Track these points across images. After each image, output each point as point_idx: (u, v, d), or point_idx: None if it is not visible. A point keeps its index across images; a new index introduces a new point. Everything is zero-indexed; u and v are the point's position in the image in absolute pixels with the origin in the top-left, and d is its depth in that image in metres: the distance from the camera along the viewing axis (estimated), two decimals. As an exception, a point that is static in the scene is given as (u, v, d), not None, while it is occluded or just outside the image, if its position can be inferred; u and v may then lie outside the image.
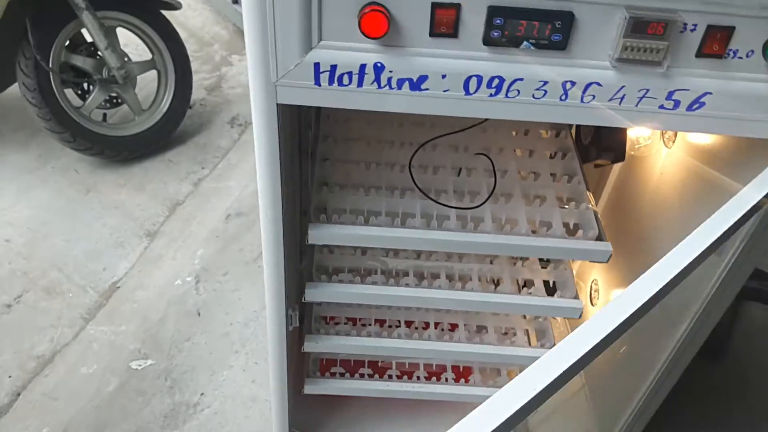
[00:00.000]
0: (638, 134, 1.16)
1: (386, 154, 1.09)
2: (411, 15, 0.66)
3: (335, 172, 1.07)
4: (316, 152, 1.06)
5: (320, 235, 0.95)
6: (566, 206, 1.08)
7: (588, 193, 1.10)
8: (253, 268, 1.72)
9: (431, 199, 1.02)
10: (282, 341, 1.06)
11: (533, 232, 1.04)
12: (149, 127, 2.09)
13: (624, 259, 1.30)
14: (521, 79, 0.70)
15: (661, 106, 0.72)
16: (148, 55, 2.09)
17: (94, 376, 1.47)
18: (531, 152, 1.14)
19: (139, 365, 1.49)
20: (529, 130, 1.20)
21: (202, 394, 1.44)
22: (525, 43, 0.67)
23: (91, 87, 2.02)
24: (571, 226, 1.08)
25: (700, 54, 0.68)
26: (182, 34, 2.14)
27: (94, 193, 1.99)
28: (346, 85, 0.70)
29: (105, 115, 2.10)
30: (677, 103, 0.72)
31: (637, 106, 0.72)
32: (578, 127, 1.21)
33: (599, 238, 1.04)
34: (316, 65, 0.68)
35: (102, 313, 1.64)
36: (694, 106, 0.72)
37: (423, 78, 0.70)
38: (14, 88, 1.93)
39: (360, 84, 0.70)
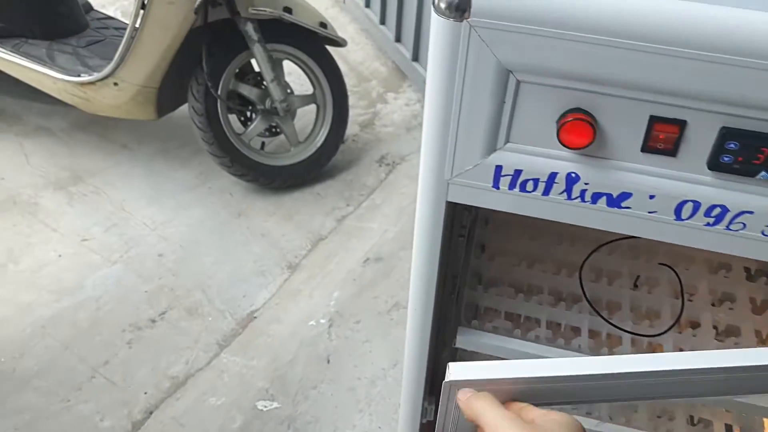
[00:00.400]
0: None
1: (554, 251, 0.98)
2: (623, 127, 0.55)
3: (492, 266, 0.97)
4: (473, 237, 0.96)
5: (469, 341, 0.86)
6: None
7: None
8: (385, 320, 1.67)
9: (602, 317, 0.89)
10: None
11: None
12: (303, 159, 2.12)
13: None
14: (751, 213, 0.57)
15: None
16: (309, 89, 2.12)
17: (221, 410, 1.48)
18: (728, 268, 0.97)
19: (265, 407, 1.48)
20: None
21: (321, 451, 1.40)
22: (763, 173, 0.54)
23: (253, 115, 2.08)
24: None
25: None
26: (342, 68, 2.15)
27: (244, 217, 2.04)
28: (529, 192, 0.61)
29: (263, 143, 2.16)
30: None
31: None
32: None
33: None
34: (498, 168, 0.60)
35: (237, 342, 1.66)
36: None
37: (626, 195, 0.59)
38: (182, 109, 2.04)
39: (546, 193, 0.61)
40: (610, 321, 0.89)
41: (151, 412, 1.50)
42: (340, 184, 2.18)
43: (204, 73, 1.85)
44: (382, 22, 2.76)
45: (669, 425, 0.97)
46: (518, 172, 0.60)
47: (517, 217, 1.02)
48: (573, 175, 0.59)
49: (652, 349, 0.87)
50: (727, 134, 0.53)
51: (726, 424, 0.98)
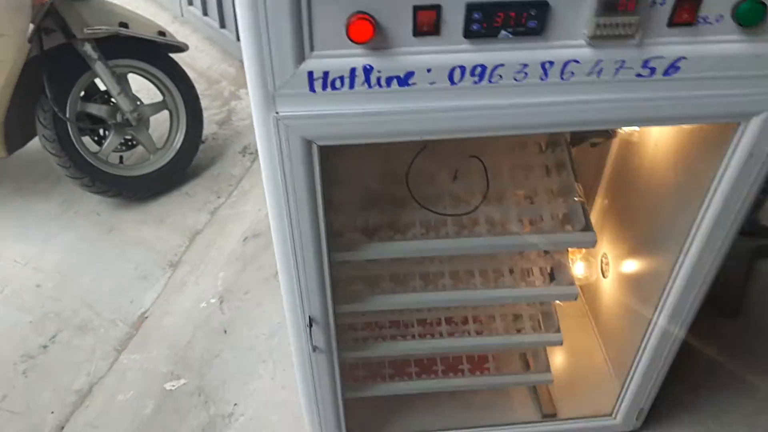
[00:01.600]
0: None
1: (385, 167, 1.14)
2: (395, 19, 0.71)
3: (336, 190, 1.12)
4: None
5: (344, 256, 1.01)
6: (557, 200, 1.13)
7: (577, 184, 1.15)
8: (273, 284, 1.77)
9: (426, 208, 1.08)
10: (304, 356, 1.12)
11: (523, 230, 1.11)
12: (164, 164, 2.17)
13: (630, 230, 1.33)
14: (502, 65, 0.74)
15: (638, 75, 0.76)
16: (159, 97, 2.17)
17: (131, 402, 1.52)
18: (524, 146, 1.18)
19: (173, 386, 1.54)
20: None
21: (235, 404, 1.48)
22: (503, 32, 0.72)
23: (106, 132, 2.10)
24: (560, 217, 1.13)
25: (671, 24, 0.73)
26: (191, 75, 2.22)
27: (116, 232, 2.06)
28: (338, 89, 0.75)
29: (121, 157, 2.18)
30: (653, 71, 0.76)
31: (614, 77, 0.76)
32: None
33: (586, 227, 1.10)
34: (310, 74, 0.74)
35: (132, 343, 1.69)
36: (670, 71, 0.76)
37: (410, 74, 0.74)
38: (31, 145, 2.02)
39: (352, 86, 0.75)
40: (435, 210, 1.07)
41: (62, 427, 1.51)
42: (207, 180, 2.25)
43: (49, 100, 1.85)
44: (223, 26, 2.85)
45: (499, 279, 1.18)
46: (326, 74, 0.74)
47: (348, 149, 1.19)
48: (368, 66, 0.74)
49: (472, 222, 1.07)
50: (471, 8, 0.70)
51: (540, 268, 1.22)
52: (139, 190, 2.12)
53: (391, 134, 0.81)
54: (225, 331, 1.68)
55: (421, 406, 1.41)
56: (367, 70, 0.74)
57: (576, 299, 1.21)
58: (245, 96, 2.69)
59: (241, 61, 0.74)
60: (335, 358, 1.15)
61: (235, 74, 2.79)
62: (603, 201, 1.49)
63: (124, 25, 1.94)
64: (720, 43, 0.74)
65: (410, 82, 0.75)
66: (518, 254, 1.26)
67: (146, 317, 1.77)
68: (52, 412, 1.54)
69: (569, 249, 1.25)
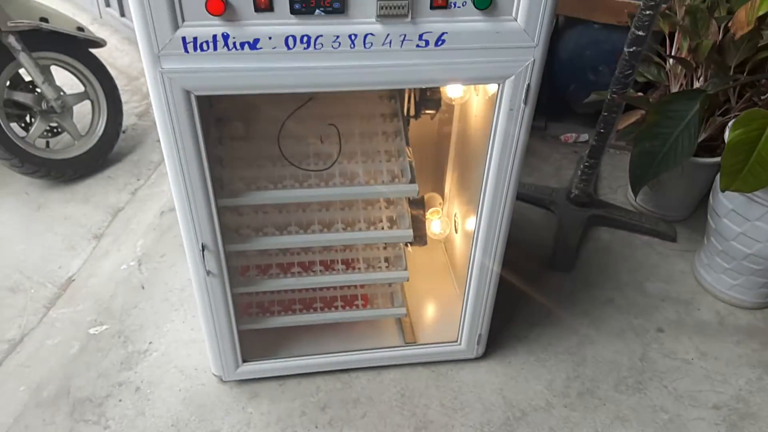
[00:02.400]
0: (454, 92, 1.56)
1: (264, 130, 1.46)
2: (240, -1, 1.02)
3: (228, 150, 1.44)
4: (211, 134, 1.42)
5: (228, 202, 1.37)
6: (392, 159, 1.49)
7: (407, 148, 1.50)
8: (186, 249, 2.04)
9: (295, 166, 1.43)
10: (201, 281, 1.41)
11: (366, 182, 1.46)
12: (88, 149, 2.40)
13: (466, 190, 1.68)
14: (321, 35, 1.06)
15: (417, 45, 1.09)
16: (81, 88, 2.41)
17: (59, 345, 1.75)
18: (371, 117, 1.53)
19: (96, 330, 1.78)
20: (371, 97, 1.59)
21: (150, 342, 1.74)
22: (318, 10, 1.04)
23: (33, 119, 2.32)
24: (396, 172, 1.48)
25: (432, 7, 1.06)
26: (112, 72, 2.47)
27: (44, 209, 2.28)
28: (205, 51, 1.06)
29: (48, 142, 2.40)
30: (427, 42, 1.09)
31: (401, 47, 1.09)
32: (411, 91, 1.59)
33: (412, 181, 1.45)
34: (183, 38, 1.04)
35: (61, 300, 1.92)
36: (439, 43, 1.10)
37: (257, 40, 1.06)
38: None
39: (215, 48, 1.06)
40: (299, 166, 1.40)
41: (-6, 371, 1.73)
42: (128, 165, 2.49)
43: (-24, 88, 2.08)
44: (140, 29, 3.09)
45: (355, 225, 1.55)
46: (195, 39, 1.04)
47: (233, 115, 1.49)
48: (225, 34, 1.04)
49: (330, 177, 1.45)
50: (293, -7, 1.02)
51: (388, 218, 1.55)
52: (65, 172, 2.35)
53: (247, 87, 1.12)
54: (143, 287, 1.94)
55: (306, 337, 1.71)
56: (225, 37, 1.05)
57: (411, 240, 1.55)
58: (166, 93, 2.95)
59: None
60: (227, 285, 1.44)
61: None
62: (453, 169, 1.84)
63: (44, 19, 2.17)
64: (469, 22, 1.08)
65: (258, 46, 1.06)
66: (369, 206, 1.58)
67: (73, 280, 2.00)
68: (-15, 359, 1.76)
69: (402, 200, 1.59)
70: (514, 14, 1.09)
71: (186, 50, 1.05)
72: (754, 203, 1.73)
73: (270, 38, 1.06)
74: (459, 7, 1.07)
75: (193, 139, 1.17)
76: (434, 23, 1.08)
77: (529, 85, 1.18)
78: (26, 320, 1.87)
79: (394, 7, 1.04)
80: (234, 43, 1.06)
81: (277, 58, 1.08)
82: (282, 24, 1.05)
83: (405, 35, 1.08)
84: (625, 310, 1.91)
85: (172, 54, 1.05)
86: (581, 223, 2.18)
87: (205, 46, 1.05)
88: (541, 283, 2.00)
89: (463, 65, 1.14)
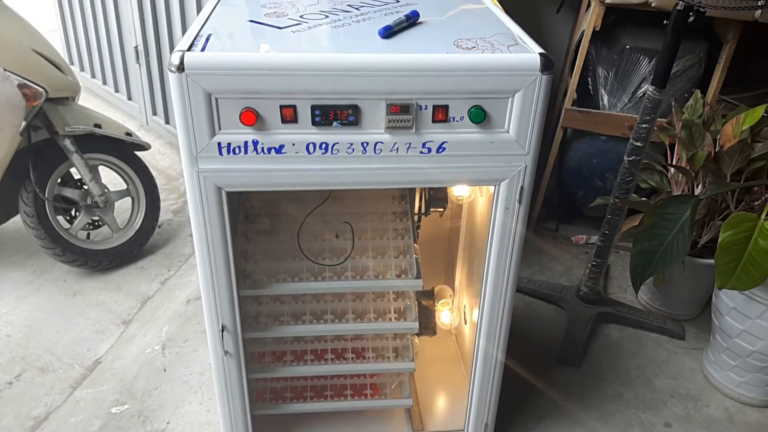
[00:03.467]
0: (460, 192, 1.70)
1: (285, 227, 1.62)
2: (269, 112, 1.19)
3: (252, 245, 1.60)
4: (239, 230, 1.59)
5: (250, 292, 1.52)
6: (400, 256, 1.62)
7: (414, 245, 1.63)
8: (209, 335, 2.15)
9: (312, 260, 1.58)
10: (219, 361, 1.51)
11: (376, 276, 1.59)
12: (125, 241, 2.58)
13: (475, 284, 1.78)
14: (337, 143, 1.23)
15: (421, 152, 1.25)
16: (123, 186, 2.63)
17: (81, 423, 1.84)
18: (383, 215, 1.68)
19: (118, 410, 1.87)
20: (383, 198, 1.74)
21: (168, 422, 1.82)
22: (335, 123, 1.21)
23: (77, 213, 2.53)
24: (403, 267, 1.61)
25: (434, 121, 1.22)
26: (153, 172, 2.70)
27: (79, 295, 2.43)
28: (237, 154, 1.22)
29: (89, 234, 2.59)
30: (430, 149, 1.25)
31: (407, 153, 1.25)
32: (421, 191, 1.74)
33: (418, 276, 1.58)
34: (219, 143, 1.21)
35: (87, 381, 2.02)
36: (440, 150, 1.25)
37: (282, 146, 1.22)
38: (8, 224, 2.43)
39: (246, 152, 1.22)
40: (315, 261, 1.54)
41: (19, 446, 1.82)
42: (161, 257, 2.66)
43: (32, 183, 2.29)
44: (180, 133, 3.38)
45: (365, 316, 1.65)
46: (229, 144, 1.21)
47: (263, 211, 1.64)
48: (255, 140, 1.21)
49: (343, 271, 1.58)
50: (314, 108, 1.19)
51: (395, 310, 1.65)
52: (102, 261, 2.51)
53: (271, 184, 1.28)
54: (165, 370, 2.04)
55: (317, 422, 1.78)
56: (255, 143, 1.21)
57: (418, 332, 1.65)
58: (200, 191, 3.17)
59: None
60: (243, 368, 1.53)
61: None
62: (463, 263, 1.96)
63: (98, 125, 2.42)
64: (466, 134, 1.24)
65: (283, 151, 1.23)
66: (379, 298, 1.70)
67: (100, 362, 2.11)
68: (12, 434, 1.85)
69: (410, 293, 1.70)
70: (506, 127, 1.25)
71: (221, 153, 1.22)
72: (753, 302, 1.80)
73: (293, 144, 1.22)
74: (457, 121, 1.23)
75: (221, 231, 1.32)
76: (435, 134, 1.24)
77: (522, 187, 1.32)
78: (52, 399, 1.97)
79: (401, 121, 1.21)
80: (262, 148, 1.22)
81: (299, 161, 1.24)
82: (304, 133, 1.21)
83: (410, 143, 1.24)
84: (633, 405, 1.94)
85: (208, 156, 1.22)
86: (590, 319, 2.24)
87: (237, 150, 1.22)
88: (550, 377, 2.05)
89: (462, 169, 1.29)
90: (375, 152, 1.24)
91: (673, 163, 2.29)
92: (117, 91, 3.97)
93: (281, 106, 1.19)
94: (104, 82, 4.09)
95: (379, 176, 1.28)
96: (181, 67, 1.13)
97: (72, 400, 1.95)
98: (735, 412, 1.94)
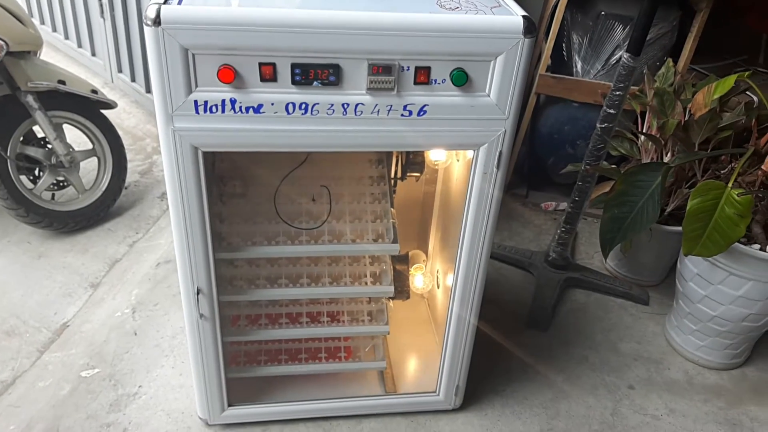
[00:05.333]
0: (437, 156, 1.70)
1: (261, 190, 1.60)
2: (248, 69, 1.16)
3: (227, 207, 1.58)
4: (213, 192, 1.55)
5: (225, 255, 1.49)
6: (377, 220, 1.62)
7: (392, 209, 1.63)
8: (179, 298, 2.07)
9: (288, 224, 1.56)
10: (194, 324, 1.49)
11: (353, 241, 1.58)
12: (91, 203, 2.52)
13: (448, 248, 1.79)
14: (318, 103, 1.20)
15: (402, 114, 1.24)
16: (89, 146, 2.55)
17: (50, 387, 1.81)
18: (360, 179, 1.66)
19: (88, 373, 1.85)
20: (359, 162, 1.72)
21: (140, 386, 1.80)
22: (315, 82, 1.18)
23: (41, 173, 2.45)
24: (380, 232, 1.60)
25: (416, 83, 1.21)
26: (119, 132, 2.62)
27: (44, 258, 2.37)
28: (214, 113, 1.19)
29: (53, 195, 2.52)
30: (411, 112, 1.24)
31: (388, 115, 1.23)
32: (398, 155, 1.73)
33: (394, 240, 1.58)
34: (195, 102, 1.18)
35: (55, 345, 1.99)
36: (421, 113, 1.24)
37: (260, 105, 1.19)
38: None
39: (223, 111, 1.19)
40: (292, 225, 1.52)
41: (-14, 410, 1.78)
42: (128, 219, 2.60)
43: (-8, 141, 2.21)
44: (148, 90, 3.28)
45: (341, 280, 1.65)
46: (206, 102, 1.18)
47: (236, 180, 1.61)
48: (233, 99, 1.18)
49: (319, 234, 1.57)
50: (294, 66, 1.16)
51: (371, 273, 1.65)
52: (67, 223, 2.45)
53: (249, 145, 1.25)
54: (135, 333, 2.01)
55: (290, 384, 1.78)
56: (233, 102, 1.18)
57: (392, 295, 1.66)
58: (168, 152, 3.10)
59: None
60: (218, 331, 1.53)
61: (158, 133, 3.20)
62: (437, 228, 1.96)
63: (62, 82, 2.33)
64: (447, 97, 1.23)
65: (261, 111, 1.20)
66: (355, 262, 1.70)
67: (68, 325, 2.08)
68: (-22, 398, 1.81)
69: (386, 257, 1.71)
70: (487, 90, 1.24)
71: (197, 112, 1.19)
72: (716, 268, 1.86)
73: (272, 104, 1.20)
74: (439, 83, 1.22)
75: (197, 192, 1.29)
76: (417, 96, 1.23)
77: (501, 152, 1.32)
78: (19, 363, 1.93)
79: (382, 82, 1.19)
80: (240, 107, 1.19)
81: (277, 121, 1.22)
82: (283, 92, 1.19)
83: (391, 105, 1.23)
84: (599, 367, 2.00)
85: (184, 114, 1.19)
86: (558, 285, 2.29)
87: (214, 109, 1.19)
88: (519, 340, 2.09)
89: (442, 133, 1.28)
90: (356, 114, 1.23)
91: (644, 131, 2.32)
92: (80, 46, 3.82)
93: (260, 64, 1.16)
94: (66, 37, 3.93)
95: (360, 139, 1.27)
96: (157, 21, 1.09)
97: (40, 364, 1.92)
98: (694, 375, 2.01)
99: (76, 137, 2.57)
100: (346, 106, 1.22)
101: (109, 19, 3.35)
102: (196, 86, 1.17)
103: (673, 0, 2.49)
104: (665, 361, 2.06)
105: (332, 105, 1.21)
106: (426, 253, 2.04)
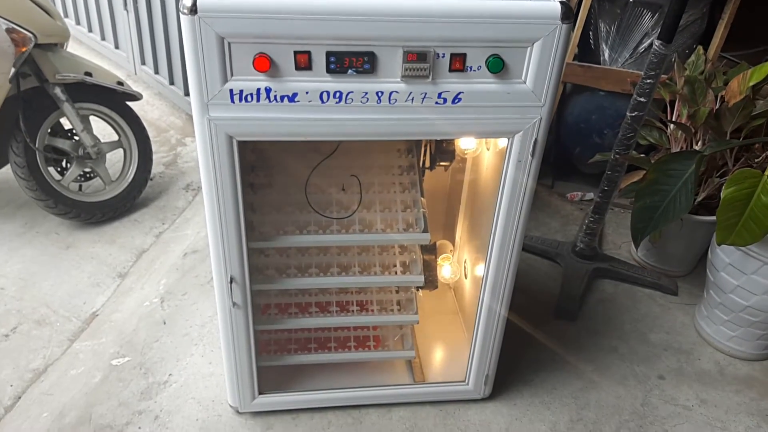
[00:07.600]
0: (467, 145, 1.69)
1: (292, 180, 1.60)
2: (283, 58, 1.16)
3: (259, 197, 1.58)
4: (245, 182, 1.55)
5: (257, 244, 1.50)
6: (407, 210, 1.61)
7: (422, 199, 1.62)
8: (207, 288, 2.14)
9: (320, 213, 1.56)
10: (226, 312, 1.50)
11: (383, 230, 1.57)
12: (117, 194, 2.54)
13: (476, 238, 1.78)
14: (352, 92, 1.20)
15: (436, 102, 1.23)
16: (115, 137, 2.57)
17: (81, 375, 1.84)
18: (389, 168, 1.66)
19: (119, 362, 1.87)
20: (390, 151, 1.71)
21: (170, 374, 1.82)
22: (350, 70, 1.18)
23: (69, 164, 2.47)
24: (410, 222, 1.60)
25: (451, 70, 1.20)
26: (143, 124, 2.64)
27: (72, 248, 2.40)
28: (249, 102, 1.19)
29: (80, 186, 2.54)
30: (445, 100, 1.23)
31: (422, 103, 1.22)
32: (427, 144, 1.72)
33: (425, 230, 1.57)
34: (230, 90, 1.18)
35: (85, 334, 2.01)
36: (456, 101, 1.23)
37: (295, 94, 1.19)
38: None
39: (258, 100, 1.19)
40: (323, 214, 1.52)
41: (19, 397, 1.80)
42: (154, 210, 2.62)
43: (22, 132, 2.23)
44: (171, 82, 3.30)
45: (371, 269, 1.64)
46: (241, 91, 1.18)
47: (269, 161, 1.61)
48: (267, 88, 1.18)
49: (350, 224, 1.56)
50: (329, 54, 1.16)
51: (401, 263, 1.64)
52: (94, 214, 2.47)
53: (283, 134, 1.25)
54: (164, 323, 2.03)
55: (320, 373, 1.79)
56: (267, 90, 1.18)
57: (423, 285, 1.66)
58: (190, 143, 3.11)
59: (188, 114, 1.18)
60: (250, 319, 1.53)
61: (182, 125, 3.22)
62: (464, 218, 1.95)
63: (88, 74, 2.35)
64: (483, 84, 1.22)
65: (296, 99, 1.20)
66: (384, 251, 1.69)
67: (97, 315, 2.10)
68: (11, 385, 1.84)
69: (415, 247, 1.70)
70: (523, 77, 1.23)
71: (232, 101, 1.19)
72: (750, 258, 1.83)
73: (307, 93, 1.19)
74: (474, 70, 1.21)
75: (232, 181, 1.29)
76: (452, 84, 1.21)
77: (536, 140, 1.30)
78: (51, 351, 1.95)
79: (417, 69, 1.18)
80: (275, 96, 1.19)
81: (311, 110, 1.21)
82: (318, 81, 1.18)
83: (426, 93, 1.22)
84: (628, 358, 1.98)
85: (220, 103, 1.19)
86: (585, 275, 2.27)
87: (249, 98, 1.19)
88: (547, 330, 2.08)
89: (477, 121, 1.27)
90: (390, 102, 1.22)
91: (673, 119, 2.29)
92: (104, 39, 3.85)
93: (295, 52, 1.15)
94: (90, 29, 3.97)
95: (393, 127, 1.26)
96: (193, 9, 1.09)
97: (71, 353, 1.94)
98: (725, 365, 1.99)
99: (102, 129, 2.59)
100: (380, 94, 1.21)
101: (133, 12, 3.37)
102: (232, 75, 1.17)
103: (703, -14, 2.45)
104: (695, 352, 2.03)
105: (366, 93, 1.21)
106: (453, 242, 2.03)
